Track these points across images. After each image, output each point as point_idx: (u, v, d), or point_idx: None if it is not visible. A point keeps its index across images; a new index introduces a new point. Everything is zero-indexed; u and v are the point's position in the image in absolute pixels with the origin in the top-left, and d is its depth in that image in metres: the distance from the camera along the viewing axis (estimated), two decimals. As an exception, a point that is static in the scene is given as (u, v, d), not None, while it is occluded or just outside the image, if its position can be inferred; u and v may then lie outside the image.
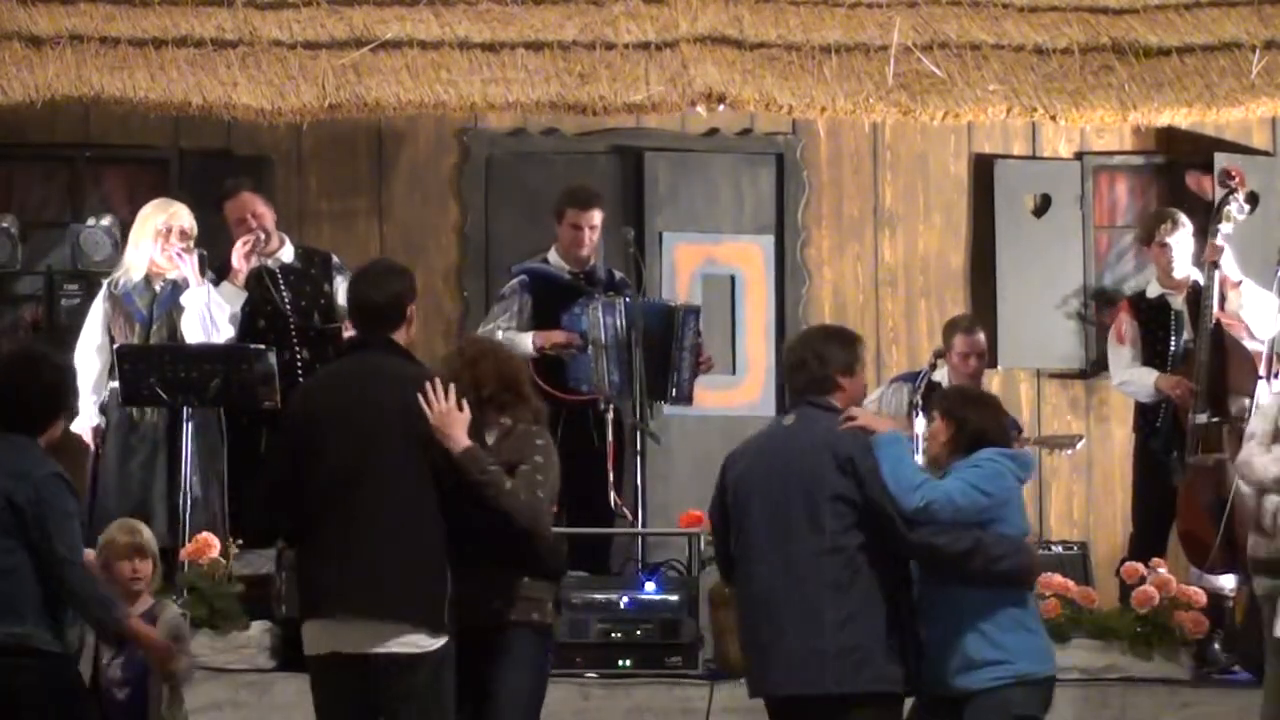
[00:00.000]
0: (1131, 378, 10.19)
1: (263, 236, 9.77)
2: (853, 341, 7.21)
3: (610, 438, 9.64)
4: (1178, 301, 10.21)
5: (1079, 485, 11.52)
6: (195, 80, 10.32)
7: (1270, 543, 7.93)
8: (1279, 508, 7.44)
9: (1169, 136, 11.63)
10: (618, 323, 9.68)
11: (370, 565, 6.78)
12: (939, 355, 10.10)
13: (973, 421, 7.11)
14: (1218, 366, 9.78)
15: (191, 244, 9.61)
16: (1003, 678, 6.92)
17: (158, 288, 9.65)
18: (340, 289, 9.92)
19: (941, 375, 10.07)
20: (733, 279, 11.47)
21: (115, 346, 9.46)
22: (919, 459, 9.42)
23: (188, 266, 9.54)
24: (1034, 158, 11.69)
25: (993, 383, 11.25)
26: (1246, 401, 9.42)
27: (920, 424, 9.61)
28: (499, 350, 7.35)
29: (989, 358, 11.14)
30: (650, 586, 8.96)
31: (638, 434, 9.70)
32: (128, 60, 10.40)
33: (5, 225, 10.65)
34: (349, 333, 9.78)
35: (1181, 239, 10.20)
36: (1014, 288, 11.51)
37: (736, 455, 7.20)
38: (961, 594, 6.93)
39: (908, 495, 6.85)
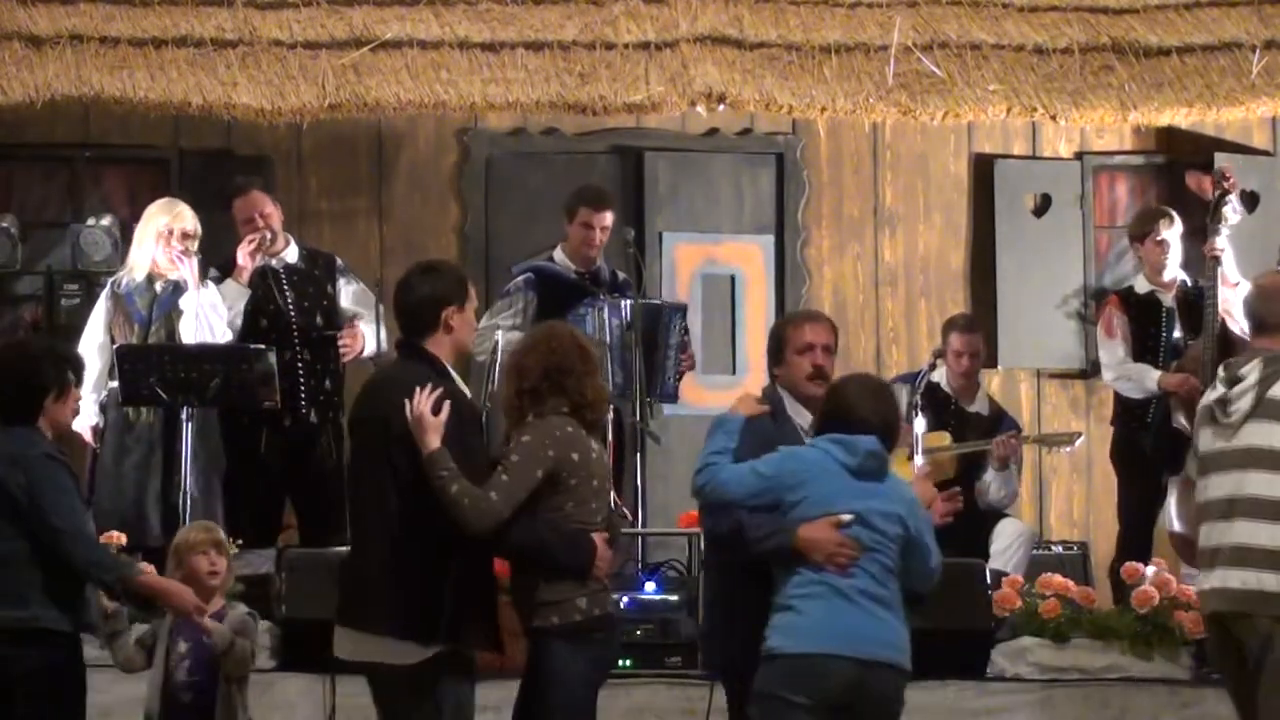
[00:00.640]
0: (1128, 373, 10.17)
1: (269, 236, 9.78)
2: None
3: (610, 438, 9.63)
4: (1167, 299, 10.22)
5: (1079, 485, 11.52)
6: (195, 80, 10.32)
7: None
8: None
9: (1169, 136, 11.64)
10: (621, 324, 9.68)
11: (353, 573, 6.89)
12: (938, 355, 10.10)
13: (826, 405, 7.09)
14: None
15: (193, 246, 9.61)
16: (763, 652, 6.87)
17: (158, 288, 9.65)
18: (343, 291, 9.93)
19: (940, 375, 10.07)
20: (733, 279, 11.48)
21: (115, 346, 9.47)
22: (918, 459, 9.50)
23: (187, 269, 9.55)
24: (1034, 158, 11.70)
25: (992, 383, 11.26)
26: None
27: (920, 424, 9.64)
28: (553, 340, 7.00)
29: (989, 358, 11.16)
30: (650, 586, 8.96)
31: (638, 434, 9.69)
32: (128, 60, 10.40)
33: (5, 225, 10.66)
34: (347, 332, 9.83)
35: (1173, 237, 10.20)
36: (1014, 288, 11.51)
37: None
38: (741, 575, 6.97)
39: (694, 477, 6.92)
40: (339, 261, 10.08)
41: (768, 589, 6.82)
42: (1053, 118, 10.75)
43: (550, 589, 6.81)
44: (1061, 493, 11.49)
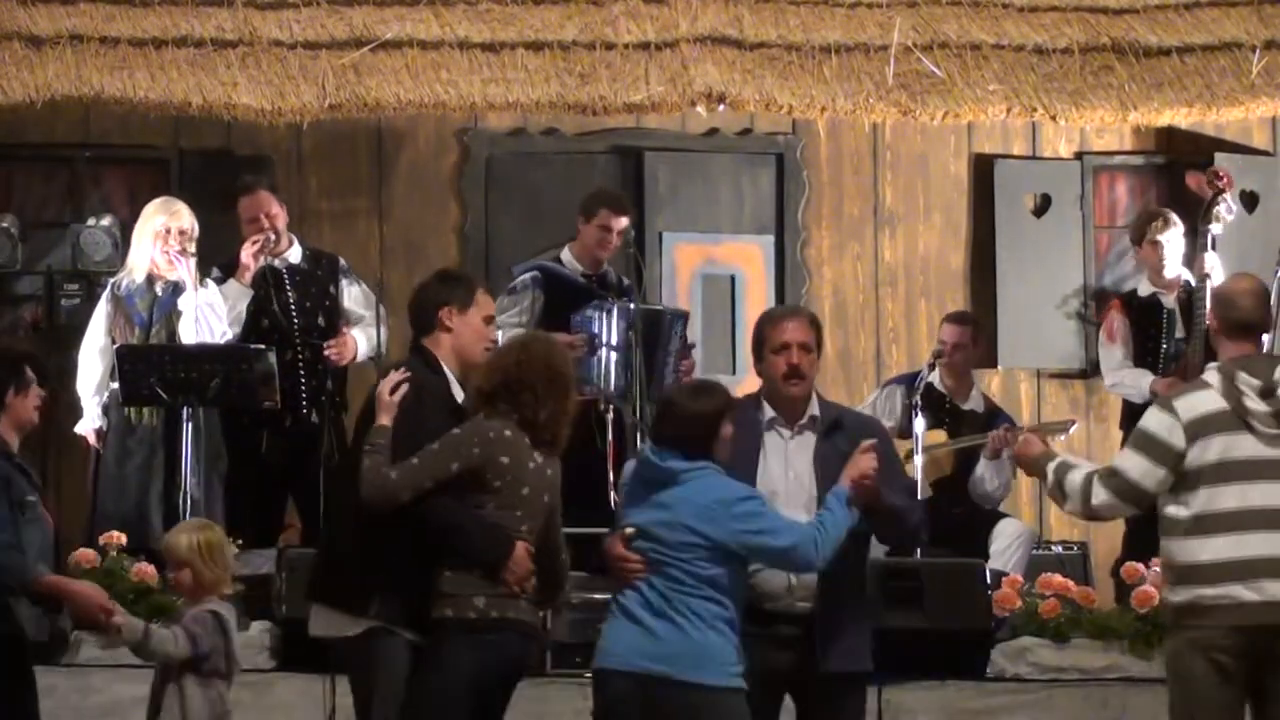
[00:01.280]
0: (1125, 379, 10.19)
1: (273, 237, 9.78)
2: None
3: (610, 438, 9.64)
4: (1169, 300, 10.22)
5: (1079, 485, 11.51)
6: (195, 80, 10.32)
7: None
8: None
9: (1169, 136, 11.64)
10: (626, 327, 9.67)
11: (317, 553, 7.35)
12: (937, 356, 10.12)
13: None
14: None
15: (191, 245, 9.60)
16: None
17: (158, 290, 9.64)
18: (346, 292, 9.93)
19: (935, 376, 10.09)
20: (733, 279, 11.48)
21: (115, 347, 9.47)
22: (918, 460, 9.51)
23: (184, 268, 9.54)
24: (1034, 158, 11.69)
25: (992, 383, 11.26)
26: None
27: (919, 425, 9.65)
28: (524, 354, 7.04)
29: (989, 358, 11.17)
30: (649, 587, 8.94)
31: (638, 434, 9.69)
32: (128, 60, 10.40)
33: (5, 225, 10.65)
34: (335, 340, 9.83)
35: (1172, 238, 10.21)
36: (1014, 288, 11.51)
37: None
38: None
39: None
40: (342, 262, 10.08)
41: None
42: (1053, 118, 10.75)
43: (452, 581, 6.84)
44: (1061, 493, 11.47)
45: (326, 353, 9.73)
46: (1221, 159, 11.09)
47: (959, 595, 8.74)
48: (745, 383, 11.15)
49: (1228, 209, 10.09)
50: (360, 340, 9.79)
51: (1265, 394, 6.79)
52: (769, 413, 7.09)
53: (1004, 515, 10.06)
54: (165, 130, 11.04)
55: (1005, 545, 9.78)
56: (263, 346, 9.43)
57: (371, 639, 6.88)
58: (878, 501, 6.84)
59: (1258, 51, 10.72)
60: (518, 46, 10.59)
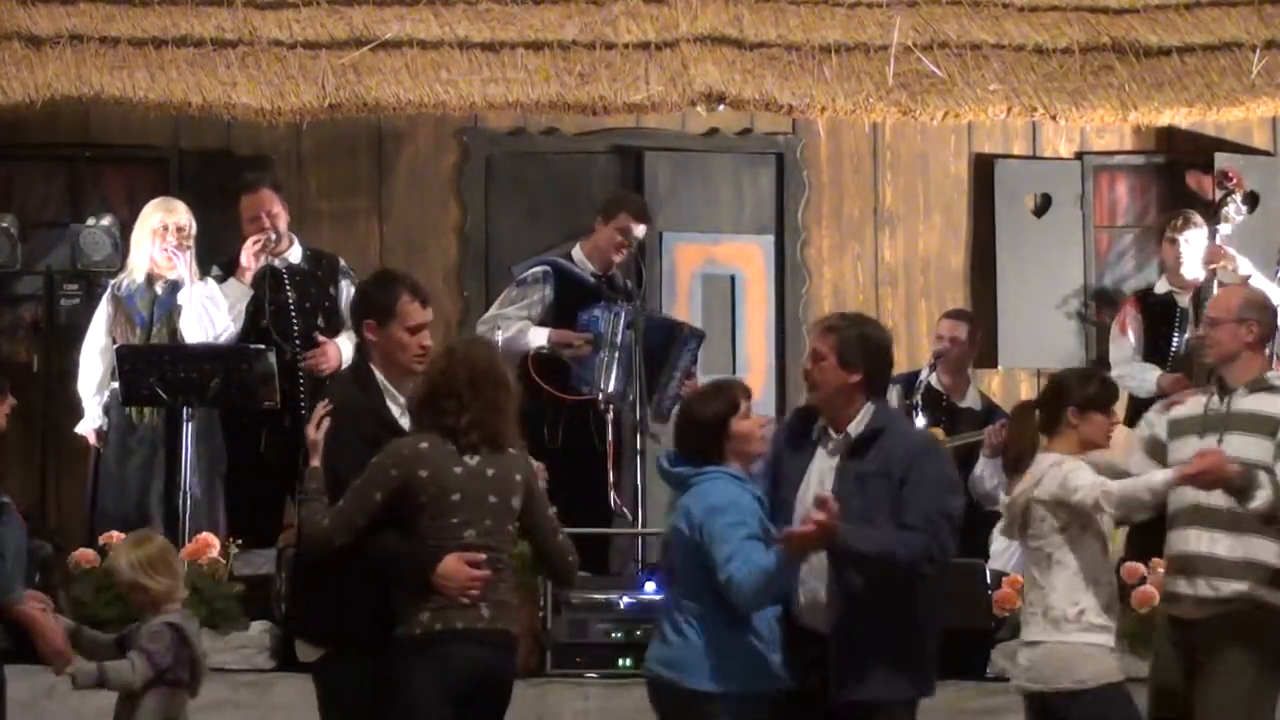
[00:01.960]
0: (1132, 372, 10.20)
1: (274, 236, 9.77)
2: None
3: (610, 438, 9.64)
4: (1184, 300, 10.23)
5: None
6: (195, 80, 10.32)
7: None
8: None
9: (1169, 136, 11.64)
10: (630, 329, 9.68)
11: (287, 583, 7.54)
12: (937, 356, 10.13)
13: None
14: None
15: (189, 241, 9.61)
16: None
17: (158, 289, 9.66)
18: (345, 292, 9.92)
19: (933, 375, 10.10)
20: (733, 279, 11.48)
21: (115, 347, 9.47)
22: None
23: (182, 263, 9.55)
24: (1034, 158, 11.70)
25: (992, 382, 11.27)
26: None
27: (919, 423, 9.65)
28: (448, 361, 6.98)
29: (990, 358, 11.17)
30: (650, 586, 8.95)
31: (638, 434, 9.70)
32: (128, 60, 10.40)
33: (5, 225, 10.66)
34: (315, 351, 9.82)
35: (1192, 238, 10.22)
36: (1014, 288, 11.51)
37: None
38: None
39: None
40: (342, 263, 10.07)
41: None
42: (1053, 118, 10.75)
43: (400, 600, 6.85)
44: (1061, 493, 11.47)
45: (305, 363, 9.70)
46: (1221, 159, 11.09)
47: (959, 595, 8.73)
48: (745, 383, 11.20)
49: (1236, 209, 10.10)
50: (345, 346, 9.71)
51: None
52: (821, 422, 7.02)
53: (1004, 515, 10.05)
54: (165, 130, 11.05)
55: (1005, 545, 9.76)
56: (263, 346, 9.43)
57: (323, 666, 6.97)
58: (836, 552, 6.70)
59: (1258, 51, 10.72)
60: (518, 46, 10.59)
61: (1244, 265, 10.08)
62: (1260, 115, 11.06)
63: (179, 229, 9.62)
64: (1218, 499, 7.20)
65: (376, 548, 6.84)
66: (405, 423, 7.03)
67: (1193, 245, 10.21)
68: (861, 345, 6.90)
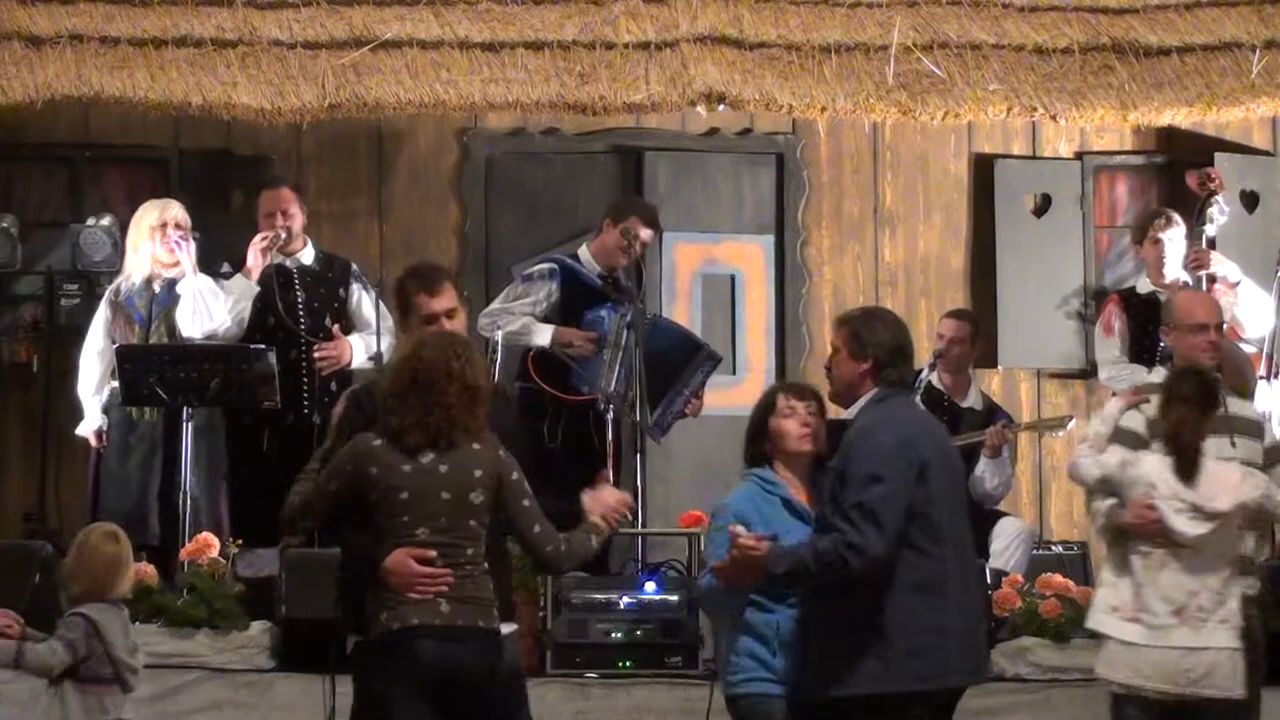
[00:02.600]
0: (1119, 374, 10.20)
1: (283, 235, 9.77)
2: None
3: (610, 437, 9.64)
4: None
5: (1079, 485, 11.50)
6: (195, 80, 10.32)
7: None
8: (1108, 510, 7.48)
9: (1169, 136, 11.64)
10: (636, 333, 9.67)
11: None
12: (938, 356, 10.12)
13: None
14: None
15: (189, 235, 9.63)
16: None
17: (156, 288, 9.66)
18: (356, 296, 9.92)
19: (934, 375, 10.09)
20: (733, 279, 11.48)
21: (115, 347, 9.48)
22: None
23: (184, 254, 9.57)
24: (1034, 158, 11.70)
25: (993, 382, 11.27)
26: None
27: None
28: (394, 370, 6.96)
29: (989, 358, 11.16)
30: (650, 586, 8.96)
31: (638, 434, 9.70)
32: (128, 60, 10.40)
33: (5, 225, 10.67)
34: (329, 343, 9.83)
35: (1174, 237, 10.21)
36: (1014, 288, 11.51)
37: (916, 436, 6.83)
38: None
39: None
40: (354, 268, 10.07)
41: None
42: (1053, 118, 10.74)
43: (368, 604, 6.79)
44: (1061, 493, 11.48)
45: (318, 354, 9.71)
46: (1221, 159, 11.09)
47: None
48: (745, 383, 11.21)
49: (1220, 210, 10.09)
50: (359, 346, 9.77)
51: None
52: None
53: (1004, 514, 10.06)
54: (165, 130, 11.05)
55: (1005, 545, 9.78)
56: (263, 346, 9.43)
57: (361, 647, 6.88)
58: (765, 576, 6.76)
59: (1258, 51, 10.72)
60: (518, 46, 10.59)
61: (1230, 269, 10.05)
62: (1260, 115, 11.05)
63: (177, 225, 9.63)
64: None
65: (344, 546, 6.90)
66: None
67: (1175, 244, 10.21)
68: (870, 335, 6.89)
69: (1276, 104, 10.72)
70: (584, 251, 10.03)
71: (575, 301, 9.87)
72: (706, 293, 11.38)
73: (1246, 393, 8.78)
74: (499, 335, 9.62)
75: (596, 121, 10.97)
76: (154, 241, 9.65)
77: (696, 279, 11.40)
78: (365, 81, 10.38)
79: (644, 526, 9.66)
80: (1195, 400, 7.29)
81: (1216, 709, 7.14)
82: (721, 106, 10.64)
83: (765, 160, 11.56)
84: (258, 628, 8.85)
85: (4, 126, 10.71)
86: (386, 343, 9.57)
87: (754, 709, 6.88)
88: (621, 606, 8.87)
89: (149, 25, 10.53)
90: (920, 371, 10.06)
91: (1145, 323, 10.22)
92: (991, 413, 10.20)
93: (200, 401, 9.28)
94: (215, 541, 8.96)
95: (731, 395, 10.77)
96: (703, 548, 6.77)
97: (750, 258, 11.50)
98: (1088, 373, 11.41)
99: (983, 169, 11.64)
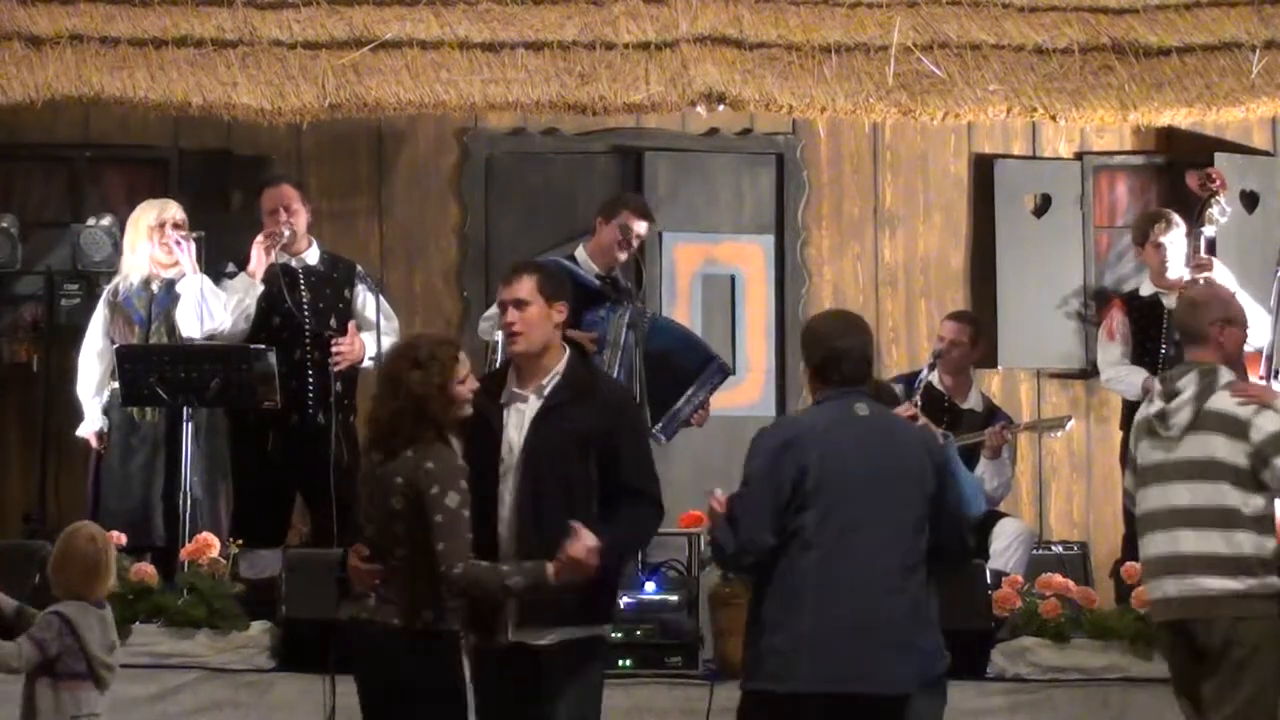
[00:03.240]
0: (1119, 375, 10.21)
1: (285, 233, 9.76)
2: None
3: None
4: (1170, 301, 10.21)
5: (1079, 485, 11.52)
6: (195, 80, 10.32)
7: None
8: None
9: (1169, 136, 11.64)
10: (636, 334, 9.66)
11: None
12: (938, 356, 10.12)
13: None
14: None
15: (188, 234, 9.62)
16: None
17: (155, 288, 9.65)
18: (359, 298, 9.91)
19: (935, 375, 10.09)
20: (733, 279, 11.48)
21: (115, 347, 9.47)
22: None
23: (184, 253, 9.56)
24: (1034, 158, 11.70)
25: (992, 383, 11.27)
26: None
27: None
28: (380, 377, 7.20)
29: (989, 358, 11.16)
30: (650, 586, 8.96)
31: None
32: (128, 60, 10.40)
33: (5, 225, 10.67)
34: (344, 339, 9.83)
35: (1175, 239, 10.21)
36: (1014, 288, 11.51)
37: (800, 439, 6.83)
38: None
39: (978, 500, 6.99)
40: (359, 269, 10.06)
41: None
42: (1053, 118, 10.74)
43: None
44: (1061, 493, 11.49)
45: (335, 349, 9.71)
46: (1221, 159, 11.09)
47: (959, 595, 8.73)
48: (745, 383, 11.21)
49: (1221, 211, 10.09)
50: (369, 344, 9.78)
51: (1166, 398, 7.38)
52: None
53: (1004, 515, 10.06)
54: (165, 130, 11.05)
55: (1005, 545, 9.78)
56: (263, 346, 9.42)
57: None
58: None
59: (1258, 51, 10.72)
60: (518, 46, 10.59)
61: (1226, 276, 10.03)
62: (1260, 115, 11.05)
63: (175, 225, 9.62)
64: (1202, 499, 7.26)
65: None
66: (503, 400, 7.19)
67: (1176, 246, 10.21)
68: (805, 346, 7.16)
69: (1276, 104, 10.72)
70: (581, 253, 10.02)
71: (574, 303, 9.84)
72: (706, 293, 11.38)
73: None
74: (499, 337, 9.60)
75: (596, 121, 10.97)
76: (152, 242, 9.64)
77: (696, 279, 11.40)
78: (365, 81, 10.38)
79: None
80: None
81: None
82: (721, 107, 10.64)
83: (765, 160, 11.56)
84: (258, 628, 8.85)
85: (4, 126, 10.71)
86: (388, 343, 9.57)
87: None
88: (621, 606, 8.85)
89: (149, 25, 10.53)
90: (920, 372, 10.07)
91: (1147, 326, 10.22)
92: (991, 414, 10.20)
93: (200, 401, 9.27)
94: (215, 541, 8.95)
95: (731, 395, 10.77)
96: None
97: (750, 258, 11.51)
98: (1088, 373, 11.42)
99: (983, 169, 11.64)
